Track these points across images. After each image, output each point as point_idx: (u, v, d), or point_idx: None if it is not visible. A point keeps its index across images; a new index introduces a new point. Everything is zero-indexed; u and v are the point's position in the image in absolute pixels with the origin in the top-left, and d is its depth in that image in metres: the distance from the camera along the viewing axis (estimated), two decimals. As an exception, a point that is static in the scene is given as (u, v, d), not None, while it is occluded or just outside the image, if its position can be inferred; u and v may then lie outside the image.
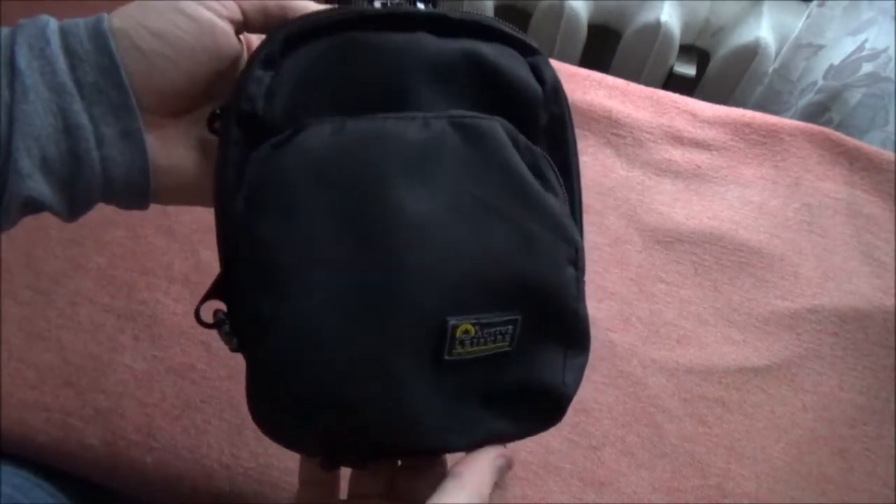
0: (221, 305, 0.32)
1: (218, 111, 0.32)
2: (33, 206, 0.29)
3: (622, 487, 0.53)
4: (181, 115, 0.33)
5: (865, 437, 0.57)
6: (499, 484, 0.34)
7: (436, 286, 0.30)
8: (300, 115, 0.31)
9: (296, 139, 0.30)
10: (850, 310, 0.62)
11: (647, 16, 0.90)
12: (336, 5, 0.33)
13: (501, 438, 0.33)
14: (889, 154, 0.71)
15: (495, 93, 0.33)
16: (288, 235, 0.29)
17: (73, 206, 0.30)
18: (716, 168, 0.68)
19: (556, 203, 0.33)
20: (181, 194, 0.34)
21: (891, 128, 0.86)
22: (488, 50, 0.33)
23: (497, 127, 0.32)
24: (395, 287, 0.29)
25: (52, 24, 0.29)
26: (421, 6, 0.33)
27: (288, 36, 0.31)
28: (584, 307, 0.34)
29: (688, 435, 0.55)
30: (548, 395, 0.34)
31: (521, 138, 0.33)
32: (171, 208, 0.58)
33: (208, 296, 0.31)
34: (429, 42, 0.32)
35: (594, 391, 0.56)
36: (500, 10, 0.98)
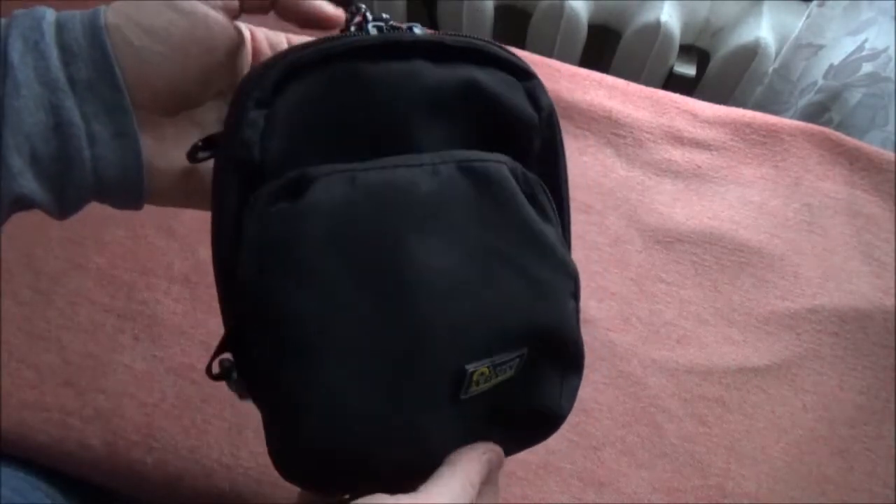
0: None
1: (201, 143, 0.31)
2: (23, 203, 0.28)
3: (622, 487, 0.53)
4: (178, 114, 0.32)
5: (865, 437, 0.57)
6: (490, 479, 0.34)
7: (456, 340, 0.31)
8: (298, 155, 0.30)
9: (306, 196, 0.29)
10: (850, 310, 0.62)
11: (647, 16, 0.90)
12: (330, 32, 0.32)
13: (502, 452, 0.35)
14: (889, 154, 0.71)
15: (493, 121, 0.33)
16: (308, 302, 0.28)
17: (64, 204, 0.30)
18: (716, 168, 0.68)
19: (554, 234, 0.34)
20: (176, 196, 0.33)
21: (891, 128, 0.86)
22: (485, 77, 0.33)
23: (504, 171, 0.32)
24: (418, 348, 0.30)
25: (49, 16, 0.28)
26: (417, 31, 0.32)
27: (279, 74, 0.29)
28: (579, 334, 0.36)
29: (688, 435, 0.55)
30: (545, 415, 0.36)
31: (520, 169, 0.33)
32: (171, 208, 0.58)
33: (220, 351, 0.31)
34: (426, 72, 0.32)
35: (594, 391, 0.56)
36: (499, 10, 0.98)
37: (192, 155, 0.32)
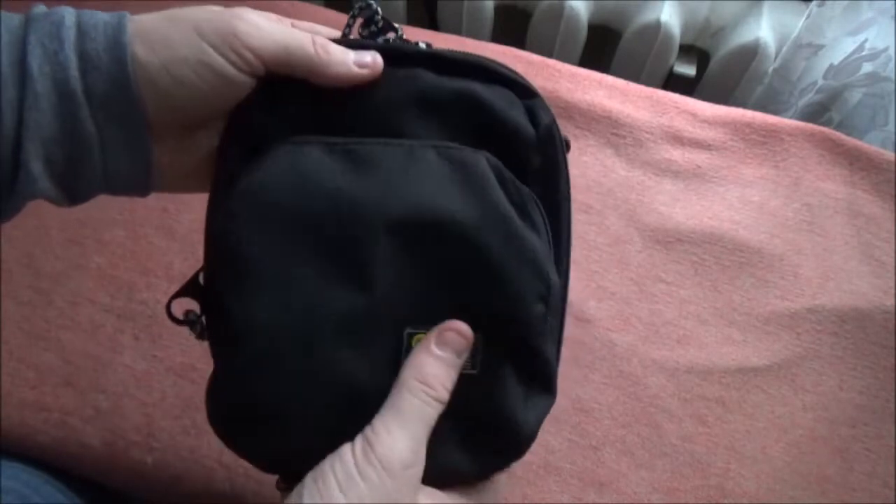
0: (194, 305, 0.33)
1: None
2: (36, 199, 0.30)
3: (622, 487, 0.53)
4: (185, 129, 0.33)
5: (865, 437, 0.57)
6: (475, 486, 0.34)
7: (401, 303, 0.31)
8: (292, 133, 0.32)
9: (281, 155, 0.31)
10: (850, 310, 0.62)
11: (647, 16, 0.90)
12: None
13: (456, 472, 0.33)
14: (889, 154, 0.71)
15: (487, 131, 0.33)
16: (263, 245, 0.30)
17: (73, 198, 0.31)
18: (716, 168, 0.68)
19: (537, 242, 0.33)
20: (180, 185, 0.35)
21: (891, 128, 0.86)
22: (484, 91, 0.33)
23: (482, 159, 0.32)
24: (365, 305, 0.31)
25: (69, 20, 0.28)
26: (423, 46, 0.33)
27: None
28: (552, 349, 0.35)
29: (688, 435, 0.55)
30: (507, 427, 0.33)
31: (508, 174, 0.33)
32: (171, 208, 0.58)
33: (179, 294, 0.33)
34: (426, 77, 0.33)
35: (594, 391, 0.56)
36: (499, 10, 0.98)
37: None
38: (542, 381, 0.34)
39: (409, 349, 0.31)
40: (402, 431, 0.29)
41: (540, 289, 0.33)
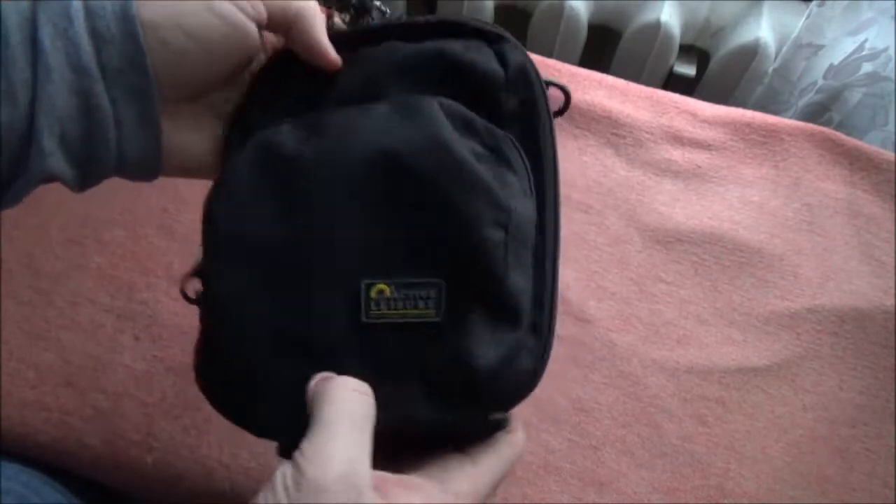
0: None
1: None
2: (49, 179, 0.30)
3: (622, 487, 0.53)
4: (196, 100, 0.34)
5: (865, 437, 0.57)
6: (494, 447, 0.33)
7: (352, 251, 0.32)
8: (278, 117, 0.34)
9: (260, 134, 0.33)
10: (850, 310, 0.62)
11: (647, 16, 0.90)
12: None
13: (420, 424, 0.31)
14: (889, 154, 0.71)
15: (456, 81, 0.34)
16: (228, 210, 0.33)
17: (86, 180, 0.31)
18: (716, 168, 0.68)
19: (513, 179, 0.33)
20: (189, 169, 0.35)
21: (891, 128, 0.86)
22: (453, 45, 0.35)
23: (431, 101, 0.33)
24: (318, 258, 0.32)
25: (76, 1, 0.29)
26: (392, 15, 0.36)
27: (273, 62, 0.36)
28: (520, 277, 0.32)
29: (688, 435, 0.55)
30: (469, 369, 0.31)
31: (478, 120, 0.33)
32: (171, 208, 0.58)
33: (191, 274, 0.34)
34: (398, 49, 0.35)
35: (594, 391, 0.56)
36: (499, 10, 0.98)
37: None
38: (508, 314, 0.32)
39: (367, 301, 0.31)
40: (333, 444, 0.27)
41: (497, 215, 0.31)
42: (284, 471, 0.27)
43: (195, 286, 0.33)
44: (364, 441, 0.28)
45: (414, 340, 0.31)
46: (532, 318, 0.33)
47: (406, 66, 0.34)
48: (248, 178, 0.32)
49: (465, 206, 0.31)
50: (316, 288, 0.32)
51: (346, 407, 0.29)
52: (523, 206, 0.33)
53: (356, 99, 0.34)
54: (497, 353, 0.31)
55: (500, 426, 0.33)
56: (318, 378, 0.31)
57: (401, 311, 0.31)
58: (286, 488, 0.27)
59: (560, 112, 0.37)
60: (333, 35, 0.34)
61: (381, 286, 0.31)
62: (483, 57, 0.34)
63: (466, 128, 0.33)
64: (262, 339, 0.32)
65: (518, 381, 0.32)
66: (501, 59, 0.35)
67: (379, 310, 0.31)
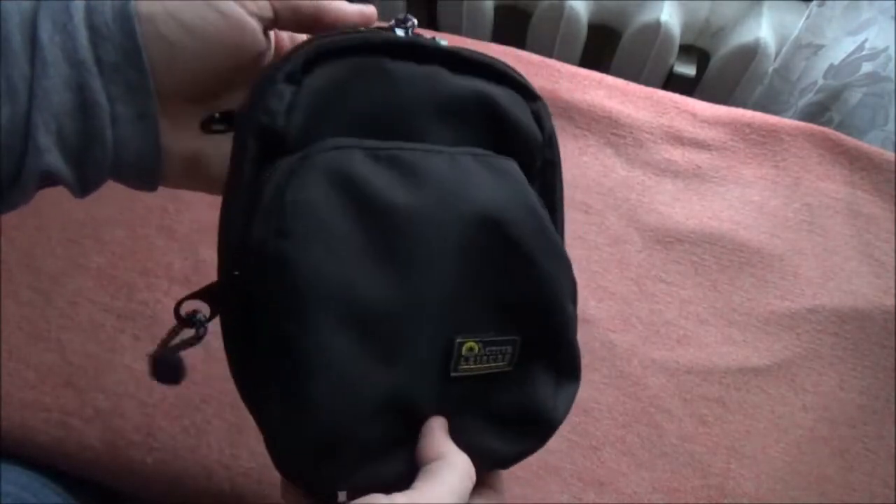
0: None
1: (217, 115, 0.32)
2: (49, 180, 0.29)
3: (622, 487, 0.53)
4: (196, 103, 0.33)
5: (865, 437, 0.57)
6: (492, 483, 0.35)
7: (447, 311, 0.31)
8: (314, 134, 0.30)
9: (325, 158, 0.29)
10: (850, 310, 0.62)
11: (647, 16, 0.90)
12: (360, 28, 0.34)
13: (495, 457, 0.34)
14: (889, 154, 0.71)
15: (503, 135, 0.35)
16: (320, 265, 0.28)
17: (85, 181, 0.31)
18: (716, 168, 0.68)
19: None
20: (190, 179, 0.34)
21: (891, 128, 0.86)
22: (499, 93, 0.35)
23: (515, 166, 0.34)
24: (411, 315, 0.31)
25: (77, 1, 0.29)
26: (443, 43, 0.34)
27: (310, 54, 0.31)
28: (577, 340, 0.36)
29: (688, 435, 0.55)
30: (536, 416, 0.35)
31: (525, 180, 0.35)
32: (171, 208, 0.58)
33: (196, 296, 0.31)
34: (444, 78, 0.33)
35: (594, 391, 0.56)
36: (500, 10, 0.98)
37: (207, 125, 0.32)
38: (571, 371, 0.36)
39: (458, 357, 0.32)
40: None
41: (571, 288, 0.35)
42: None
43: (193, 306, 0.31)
44: None
45: (485, 385, 0.34)
46: None
47: (454, 102, 0.34)
48: (338, 221, 0.29)
49: (554, 278, 0.34)
50: (411, 344, 0.31)
51: (455, 488, 0.30)
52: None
53: (400, 123, 0.32)
54: (564, 405, 0.36)
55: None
56: (429, 448, 0.31)
57: (483, 365, 0.33)
58: None
59: None
60: (383, 40, 0.32)
61: (472, 344, 0.32)
62: (525, 117, 0.35)
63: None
64: (365, 398, 0.30)
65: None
66: (538, 120, 0.36)
67: (467, 364, 0.33)
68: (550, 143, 0.37)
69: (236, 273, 0.30)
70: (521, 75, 0.36)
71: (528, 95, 0.36)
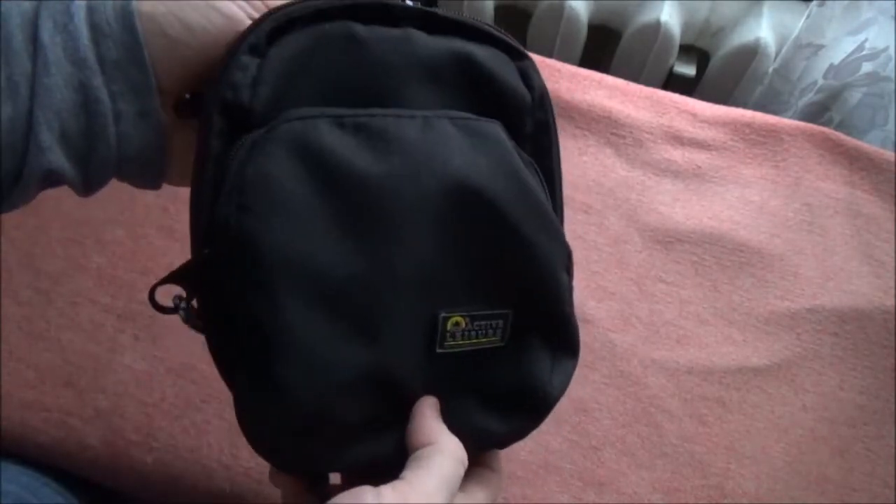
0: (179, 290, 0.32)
1: (189, 96, 0.32)
2: (52, 179, 0.29)
3: (622, 487, 0.53)
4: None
5: (865, 437, 0.57)
6: (490, 464, 0.34)
7: (430, 286, 0.30)
8: (285, 106, 0.30)
9: (288, 129, 0.28)
10: (850, 310, 0.62)
11: (647, 16, 0.90)
12: None
13: (490, 437, 0.33)
14: (889, 154, 0.71)
15: (486, 97, 0.33)
16: (282, 239, 0.28)
17: (89, 180, 0.31)
18: (716, 168, 0.68)
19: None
20: (188, 176, 0.34)
21: (891, 128, 0.86)
22: (479, 52, 0.33)
23: (499, 130, 0.32)
24: (391, 290, 0.29)
25: (78, 1, 0.29)
26: (410, 2, 0.32)
27: (275, 24, 0.29)
28: (574, 313, 0.34)
29: (688, 435, 0.55)
30: (532, 394, 0.33)
31: (513, 143, 0.33)
32: (171, 208, 0.58)
33: (166, 281, 0.31)
34: (420, 39, 0.32)
35: (594, 391, 0.56)
36: (500, 10, 0.98)
37: (179, 108, 0.32)
38: (570, 346, 0.35)
39: (444, 332, 0.31)
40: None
41: (563, 257, 0.33)
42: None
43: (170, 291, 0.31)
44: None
45: (477, 362, 0.32)
46: None
47: (430, 65, 0.32)
48: (301, 193, 0.28)
49: (543, 247, 0.32)
50: (387, 320, 0.29)
51: (446, 476, 0.29)
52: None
53: (374, 90, 0.31)
54: (561, 382, 0.34)
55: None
56: (419, 433, 0.30)
57: (472, 341, 0.32)
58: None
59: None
60: (350, 5, 0.31)
61: (457, 318, 0.31)
62: (511, 76, 0.33)
63: (519, 156, 0.32)
64: (338, 377, 0.29)
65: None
66: (526, 79, 0.34)
67: (454, 340, 0.31)
68: (542, 104, 0.34)
69: (206, 251, 0.29)
70: (506, 33, 0.34)
71: (513, 54, 0.34)
